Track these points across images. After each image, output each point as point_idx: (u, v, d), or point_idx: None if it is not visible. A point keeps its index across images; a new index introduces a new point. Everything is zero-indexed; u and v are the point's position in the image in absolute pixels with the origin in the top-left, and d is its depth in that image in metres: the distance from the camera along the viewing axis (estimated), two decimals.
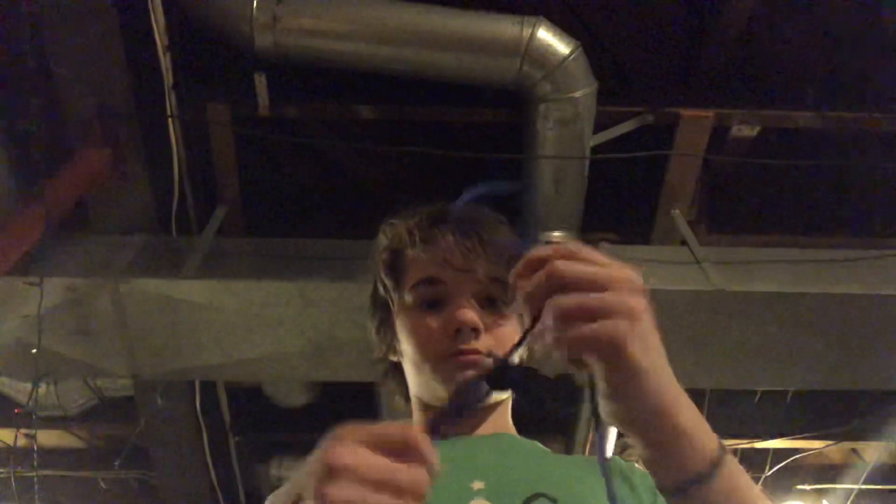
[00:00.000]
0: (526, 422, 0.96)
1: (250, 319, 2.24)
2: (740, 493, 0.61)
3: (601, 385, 0.58)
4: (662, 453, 0.60)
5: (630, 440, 0.60)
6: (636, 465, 0.87)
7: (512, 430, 0.94)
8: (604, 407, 0.59)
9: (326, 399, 3.22)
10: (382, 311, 0.97)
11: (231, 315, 2.23)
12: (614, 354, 0.55)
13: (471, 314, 0.86)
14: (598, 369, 0.57)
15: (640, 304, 0.56)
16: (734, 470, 0.61)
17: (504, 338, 0.88)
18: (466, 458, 0.84)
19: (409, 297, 0.91)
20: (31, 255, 2.13)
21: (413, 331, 0.89)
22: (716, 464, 0.59)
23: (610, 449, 3.04)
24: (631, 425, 0.59)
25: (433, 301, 0.89)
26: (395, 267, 0.94)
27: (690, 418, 0.59)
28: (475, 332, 0.86)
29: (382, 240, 0.97)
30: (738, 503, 0.61)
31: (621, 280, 0.56)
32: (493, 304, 0.89)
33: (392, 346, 0.96)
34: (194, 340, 2.27)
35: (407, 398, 0.98)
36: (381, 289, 0.96)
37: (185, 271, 2.22)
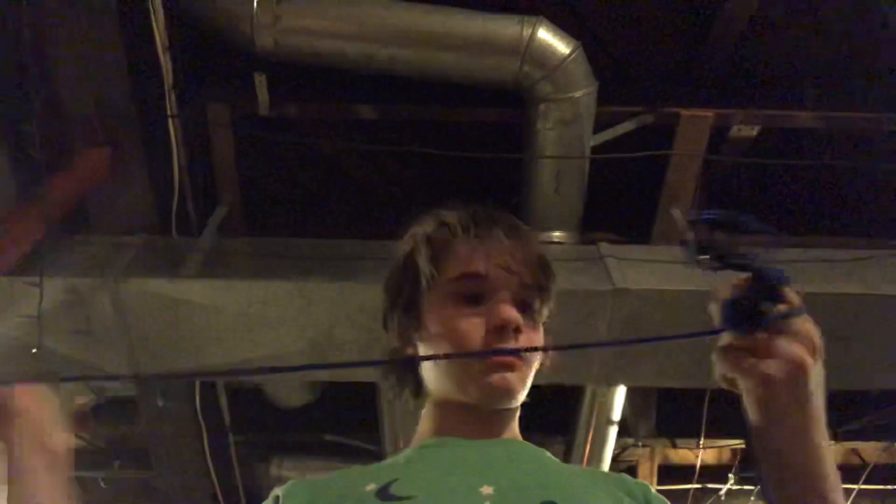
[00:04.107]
0: (525, 422, 0.95)
1: (250, 319, 2.24)
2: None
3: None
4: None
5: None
6: (651, 488, 0.88)
7: (519, 436, 0.93)
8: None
9: (326, 399, 3.21)
10: (405, 301, 0.94)
11: (231, 315, 2.23)
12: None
13: (514, 312, 0.86)
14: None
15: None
16: None
17: (534, 342, 0.89)
18: (476, 461, 0.84)
19: (449, 288, 0.89)
20: (31, 255, 2.12)
21: (450, 322, 0.88)
22: None
23: (609, 451, 3.04)
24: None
25: (473, 295, 0.88)
26: (438, 257, 0.92)
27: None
28: (515, 331, 0.86)
29: (425, 228, 0.95)
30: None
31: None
32: (526, 309, 0.89)
33: (410, 339, 0.94)
34: (194, 340, 2.27)
35: (417, 393, 0.96)
36: (421, 278, 0.92)
37: (185, 271, 2.22)
